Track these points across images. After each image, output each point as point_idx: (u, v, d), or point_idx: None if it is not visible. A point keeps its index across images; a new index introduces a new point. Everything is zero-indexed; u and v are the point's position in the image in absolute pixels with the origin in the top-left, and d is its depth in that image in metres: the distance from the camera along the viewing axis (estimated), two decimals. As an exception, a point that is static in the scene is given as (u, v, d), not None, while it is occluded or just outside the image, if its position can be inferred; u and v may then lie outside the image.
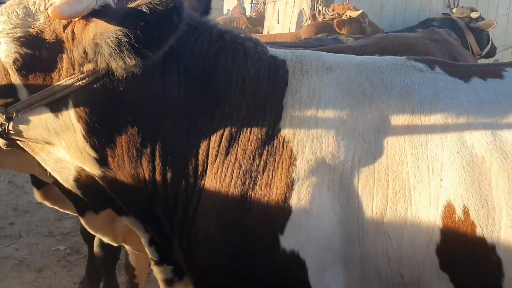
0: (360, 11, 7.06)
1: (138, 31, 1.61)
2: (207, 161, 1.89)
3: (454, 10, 8.02)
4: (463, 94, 1.89)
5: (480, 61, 7.39)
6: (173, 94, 1.87)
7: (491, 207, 1.71)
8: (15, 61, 1.78)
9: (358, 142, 1.82)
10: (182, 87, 1.88)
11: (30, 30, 1.77)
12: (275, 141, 1.85)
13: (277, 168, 1.83)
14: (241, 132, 1.87)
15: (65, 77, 1.79)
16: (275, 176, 1.82)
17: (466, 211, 1.72)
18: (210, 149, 1.89)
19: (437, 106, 1.86)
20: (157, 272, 2.48)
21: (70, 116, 1.83)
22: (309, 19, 8.01)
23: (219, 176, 1.86)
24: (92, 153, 1.90)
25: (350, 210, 1.79)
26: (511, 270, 1.71)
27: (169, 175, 1.91)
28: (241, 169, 1.84)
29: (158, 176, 1.91)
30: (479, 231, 1.72)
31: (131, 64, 1.65)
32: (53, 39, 1.78)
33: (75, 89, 1.78)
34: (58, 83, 1.79)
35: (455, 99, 1.87)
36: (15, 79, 1.82)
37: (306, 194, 1.79)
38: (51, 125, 1.86)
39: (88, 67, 1.75)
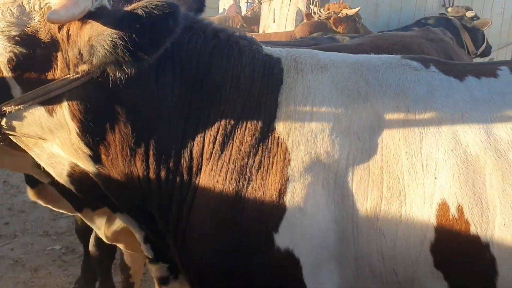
0: (357, 8, 7.06)
1: (134, 34, 1.61)
2: (202, 160, 1.89)
3: (449, 9, 8.04)
4: (458, 92, 1.89)
5: (475, 60, 7.41)
6: (168, 93, 1.87)
7: (485, 205, 1.72)
8: (9, 60, 1.77)
9: (352, 141, 1.82)
10: (177, 87, 1.88)
11: (25, 29, 1.76)
12: (269, 140, 1.85)
13: (272, 166, 1.83)
14: (236, 131, 1.87)
15: (59, 77, 1.78)
16: (269, 175, 1.82)
17: (460, 210, 1.73)
18: (205, 148, 1.89)
19: (431, 104, 1.86)
20: (152, 270, 2.49)
21: (65, 115, 1.83)
22: (304, 18, 8.01)
23: (213, 174, 1.86)
24: (86, 150, 1.90)
25: (344, 208, 1.79)
26: (505, 268, 1.72)
27: (163, 173, 1.91)
28: (236, 168, 1.84)
29: (152, 175, 1.91)
30: (473, 229, 1.72)
31: (126, 66, 1.66)
32: (48, 39, 1.77)
33: (69, 89, 1.78)
34: (52, 82, 1.79)
35: (449, 98, 1.88)
36: (9, 77, 1.81)
37: (300, 192, 1.79)
38: (45, 123, 1.86)
39: (83, 67, 1.75)
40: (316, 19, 7.52)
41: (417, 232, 1.75)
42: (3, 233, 5.04)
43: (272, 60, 1.99)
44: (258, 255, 1.84)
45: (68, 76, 1.77)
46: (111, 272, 3.95)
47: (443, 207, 1.74)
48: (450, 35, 5.26)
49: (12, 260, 4.55)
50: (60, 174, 2.08)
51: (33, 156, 2.07)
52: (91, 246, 3.68)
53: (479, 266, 1.74)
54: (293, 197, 1.79)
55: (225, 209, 1.85)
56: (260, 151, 1.85)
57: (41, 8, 1.76)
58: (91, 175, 2.00)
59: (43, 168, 2.10)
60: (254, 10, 12.10)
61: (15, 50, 1.75)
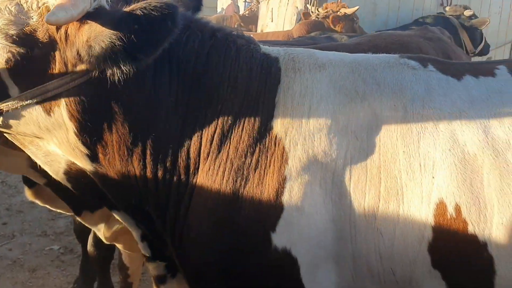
0: (356, 7, 7.06)
1: (132, 35, 1.61)
2: (199, 159, 1.89)
3: (447, 8, 8.04)
4: (456, 92, 1.90)
5: (473, 59, 7.41)
6: (165, 93, 1.87)
7: (483, 204, 1.72)
8: (7, 61, 1.77)
9: (350, 140, 1.82)
10: (174, 86, 1.88)
11: (24, 28, 1.75)
12: (267, 139, 1.85)
13: (269, 166, 1.83)
14: (233, 130, 1.87)
15: (57, 77, 1.78)
16: (267, 174, 1.82)
17: (458, 209, 1.73)
18: (202, 147, 1.89)
19: (429, 104, 1.86)
20: (150, 269, 2.48)
21: (62, 114, 1.83)
22: (301, 18, 8.00)
23: (211, 174, 1.86)
24: (83, 150, 1.90)
25: (342, 207, 1.79)
26: (503, 267, 1.72)
27: (160, 173, 1.91)
28: (233, 167, 1.84)
29: (149, 174, 1.91)
30: (470, 229, 1.73)
31: (124, 67, 1.66)
32: (46, 39, 1.77)
33: (67, 89, 1.78)
34: (50, 82, 1.78)
35: (447, 97, 1.88)
36: (6, 77, 1.81)
37: (298, 192, 1.79)
38: (42, 122, 1.86)
39: (81, 67, 1.75)
40: (314, 18, 7.51)
41: (415, 231, 1.75)
42: (1, 233, 5.03)
43: (270, 59, 1.99)
44: (255, 254, 1.84)
45: (66, 76, 1.77)
46: (110, 272, 3.94)
47: (440, 207, 1.74)
48: (448, 34, 5.25)
49: (11, 260, 4.54)
50: (57, 172, 2.08)
51: (29, 154, 2.07)
52: (90, 246, 3.68)
53: (477, 266, 1.74)
54: (291, 196, 1.79)
55: (222, 208, 1.85)
56: (257, 151, 1.85)
57: (39, 8, 1.76)
58: (88, 173, 2.00)
59: (39, 167, 2.10)
60: (252, 9, 12.09)
61: (13, 50, 1.75)
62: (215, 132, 1.87)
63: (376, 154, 1.81)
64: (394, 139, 1.81)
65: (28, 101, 1.80)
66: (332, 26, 6.97)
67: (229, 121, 1.87)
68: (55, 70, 1.78)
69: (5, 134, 2.00)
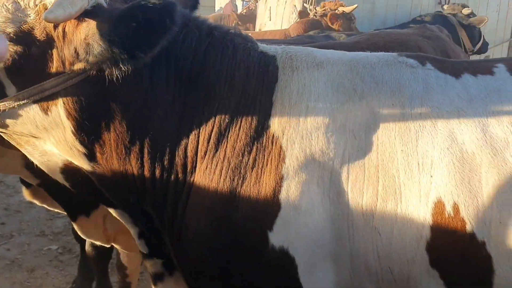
0: (355, 6, 7.05)
1: (130, 33, 1.61)
2: (196, 158, 1.89)
3: (445, 7, 8.04)
4: (454, 90, 1.89)
5: (472, 57, 7.41)
6: (162, 91, 1.87)
7: (481, 203, 1.71)
8: (5, 60, 1.76)
9: (348, 139, 1.82)
10: (171, 84, 1.88)
11: (22, 26, 1.74)
12: (264, 138, 1.85)
13: (266, 164, 1.82)
14: (230, 129, 1.86)
15: (55, 75, 1.77)
16: (264, 173, 1.82)
17: (456, 208, 1.72)
18: (199, 146, 1.88)
19: (427, 102, 1.85)
20: (147, 266, 2.48)
21: (60, 113, 1.82)
22: (297, 17, 7.98)
23: (208, 173, 1.86)
24: (81, 149, 1.89)
25: (340, 206, 1.79)
26: (502, 266, 1.71)
27: (157, 172, 1.90)
28: (230, 166, 1.84)
29: (146, 173, 1.90)
30: (469, 228, 1.72)
31: (122, 65, 1.65)
32: (44, 37, 1.76)
33: (65, 87, 1.77)
34: (47, 80, 1.78)
35: (446, 96, 1.87)
36: (3, 75, 1.80)
37: (295, 190, 1.79)
38: (40, 121, 1.85)
39: (79, 66, 1.74)
40: (311, 16, 7.50)
41: (412, 230, 1.75)
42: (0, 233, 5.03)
43: (267, 57, 1.98)
44: (253, 253, 1.84)
45: (64, 74, 1.76)
46: (108, 272, 3.93)
47: (439, 205, 1.73)
48: (446, 32, 5.25)
49: (9, 260, 4.53)
50: (54, 172, 2.07)
51: (25, 154, 2.06)
52: (88, 246, 3.67)
53: (476, 265, 1.74)
54: (288, 195, 1.79)
55: (219, 207, 1.84)
56: (254, 149, 1.84)
57: (36, 5, 1.75)
58: (86, 172, 1.99)
59: (35, 168, 2.09)
60: (250, 8, 12.06)
61: (10, 48, 1.74)
62: (212, 130, 1.87)
63: (374, 153, 1.80)
64: (392, 138, 1.81)
65: (25, 100, 1.79)
66: (330, 24, 6.96)
67: (226, 120, 1.87)
68: (53, 68, 1.78)
69: (1, 134, 1.99)
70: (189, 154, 1.89)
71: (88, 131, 1.85)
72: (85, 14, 1.68)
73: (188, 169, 1.90)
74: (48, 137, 1.90)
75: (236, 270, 1.88)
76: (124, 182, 1.94)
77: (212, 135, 1.87)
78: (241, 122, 1.87)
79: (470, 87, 1.90)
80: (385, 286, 1.83)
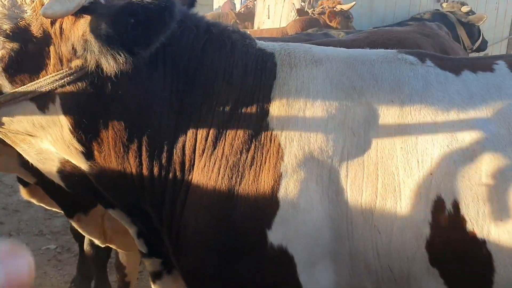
0: (353, 3, 7.04)
1: (129, 29, 1.59)
2: (194, 156, 1.87)
3: (444, 5, 8.04)
4: (454, 87, 1.88)
5: (471, 55, 7.41)
6: (160, 88, 1.85)
7: (482, 201, 1.70)
8: (0, 57, 1.74)
9: (347, 136, 1.80)
10: (168, 82, 1.86)
11: (18, 23, 1.73)
12: (262, 135, 1.83)
13: (265, 162, 1.81)
14: (229, 127, 1.85)
15: (52, 72, 1.76)
16: (262, 171, 1.81)
17: (456, 206, 1.71)
18: (197, 144, 1.87)
19: (427, 99, 1.84)
20: (146, 265, 2.48)
21: (57, 111, 1.80)
22: (296, 15, 7.97)
23: (206, 171, 1.85)
24: (78, 147, 1.88)
25: (339, 204, 1.77)
26: (502, 265, 1.70)
27: (156, 170, 1.89)
28: (228, 164, 1.83)
29: (145, 171, 1.89)
30: (469, 226, 1.71)
31: (120, 61, 1.64)
32: (40, 34, 1.74)
33: (62, 85, 1.76)
34: (44, 78, 1.76)
35: (445, 93, 1.86)
36: None
37: (294, 188, 1.78)
38: (37, 119, 1.83)
39: (77, 63, 1.73)
40: (310, 14, 7.49)
41: (412, 228, 1.74)
42: (-2, 232, 5.01)
43: (266, 54, 1.97)
44: (251, 252, 1.83)
45: (61, 71, 1.75)
46: (107, 271, 3.92)
47: (438, 203, 1.72)
48: (445, 29, 5.25)
49: (7, 259, 4.51)
50: (50, 171, 2.05)
51: (20, 152, 2.04)
52: (86, 245, 3.66)
53: (476, 263, 1.73)
54: (286, 193, 1.78)
55: (218, 206, 1.83)
56: (253, 147, 1.83)
57: (33, 1, 1.73)
58: (83, 171, 1.97)
59: (31, 166, 2.07)
60: (248, 6, 12.06)
61: (6, 45, 1.73)
62: (210, 128, 1.86)
63: (373, 150, 1.79)
64: (392, 135, 1.80)
65: (22, 98, 1.77)
66: (328, 22, 6.95)
67: (224, 117, 1.86)
68: (50, 65, 1.76)
69: None
70: (187, 152, 1.88)
71: (85, 129, 1.83)
72: (83, 10, 1.67)
73: (186, 167, 1.88)
74: (45, 135, 1.89)
75: (235, 269, 1.87)
76: (122, 181, 1.93)
77: (210, 132, 1.85)
78: (239, 119, 1.85)
79: (470, 84, 1.89)
80: (385, 285, 1.82)
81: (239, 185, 1.81)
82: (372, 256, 1.79)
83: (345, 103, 1.85)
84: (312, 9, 7.55)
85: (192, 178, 1.87)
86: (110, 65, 1.66)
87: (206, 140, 1.86)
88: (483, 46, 7.83)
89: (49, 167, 2.03)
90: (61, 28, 1.73)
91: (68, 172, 2.02)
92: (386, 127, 1.81)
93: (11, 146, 2.05)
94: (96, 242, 3.12)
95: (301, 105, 1.85)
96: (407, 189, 1.75)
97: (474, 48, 7.64)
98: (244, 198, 1.80)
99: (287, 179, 1.78)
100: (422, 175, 1.75)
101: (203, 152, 1.86)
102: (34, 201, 3.11)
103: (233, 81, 1.89)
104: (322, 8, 7.24)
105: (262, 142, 1.83)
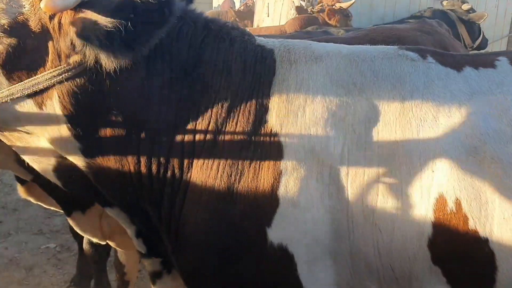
0: (352, 1, 7.02)
1: (128, 24, 1.58)
2: (193, 153, 1.86)
3: (444, 3, 8.01)
4: (455, 83, 1.86)
5: (471, 53, 7.40)
6: (158, 85, 1.84)
7: (484, 199, 1.69)
8: None
9: (347, 133, 1.79)
10: (167, 78, 1.85)
11: (16, 18, 1.71)
12: (262, 132, 1.82)
13: (264, 159, 1.80)
14: (227, 123, 1.84)
15: (50, 68, 1.75)
16: (262, 168, 1.79)
17: (458, 203, 1.70)
18: (196, 141, 1.85)
19: (429, 96, 1.82)
20: (146, 264, 2.47)
21: (55, 107, 1.79)
22: (295, 13, 7.95)
23: (205, 168, 1.83)
24: (76, 144, 1.86)
25: (339, 202, 1.76)
26: (504, 263, 1.69)
27: (154, 167, 1.88)
28: (227, 161, 1.81)
29: (143, 169, 1.88)
30: (471, 224, 1.69)
31: (120, 57, 1.63)
32: (39, 29, 1.73)
33: (60, 81, 1.74)
34: (42, 74, 1.75)
35: (447, 89, 1.84)
36: None
37: (294, 186, 1.76)
38: (34, 116, 1.82)
39: (75, 58, 1.71)
40: (309, 12, 7.47)
41: (414, 227, 1.72)
42: (-3, 232, 5.01)
43: (265, 51, 1.95)
44: (251, 250, 1.82)
45: (59, 67, 1.73)
46: (106, 270, 3.92)
47: (440, 201, 1.71)
48: (446, 27, 5.22)
49: (6, 259, 4.52)
50: (46, 169, 2.04)
51: (16, 151, 2.03)
52: (86, 244, 3.66)
53: (478, 262, 1.71)
54: (286, 191, 1.76)
55: (217, 203, 1.82)
56: (252, 144, 1.81)
57: None
58: (82, 169, 1.96)
59: (27, 164, 2.06)
60: (247, 4, 12.05)
61: (4, 40, 1.71)
62: (209, 125, 1.84)
63: (374, 148, 1.77)
64: (393, 132, 1.78)
65: (19, 94, 1.76)
66: (327, 19, 6.93)
67: (223, 114, 1.84)
68: (48, 61, 1.75)
69: None
70: (186, 149, 1.86)
71: (84, 125, 1.82)
72: (82, 5, 1.65)
73: (185, 164, 1.87)
74: (42, 132, 1.87)
75: (234, 267, 1.85)
76: (120, 178, 1.91)
77: (209, 129, 1.84)
78: (238, 116, 1.84)
79: (471, 81, 1.87)
80: (387, 284, 1.81)
81: (239, 182, 1.80)
82: (373, 255, 1.77)
83: (345, 100, 1.83)
84: (311, 7, 7.53)
85: (191, 176, 1.86)
86: (109, 60, 1.65)
87: (204, 137, 1.84)
88: (484, 44, 7.81)
89: (45, 166, 2.02)
90: (59, 23, 1.71)
91: (64, 171, 2.00)
92: (387, 124, 1.79)
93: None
94: (94, 240, 3.10)
95: (301, 102, 1.83)
96: (408, 187, 1.73)
97: (475, 46, 7.61)
98: (243, 196, 1.79)
99: (287, 177, 1.77)
100: (423, 173, 1.73)
101: (202, 149, 1.84)
102: (31, 199, 3.09)
103: (232, 77, 1.87)
104: (321, 6, 7.22)
105: (261, 139, 1.81)
